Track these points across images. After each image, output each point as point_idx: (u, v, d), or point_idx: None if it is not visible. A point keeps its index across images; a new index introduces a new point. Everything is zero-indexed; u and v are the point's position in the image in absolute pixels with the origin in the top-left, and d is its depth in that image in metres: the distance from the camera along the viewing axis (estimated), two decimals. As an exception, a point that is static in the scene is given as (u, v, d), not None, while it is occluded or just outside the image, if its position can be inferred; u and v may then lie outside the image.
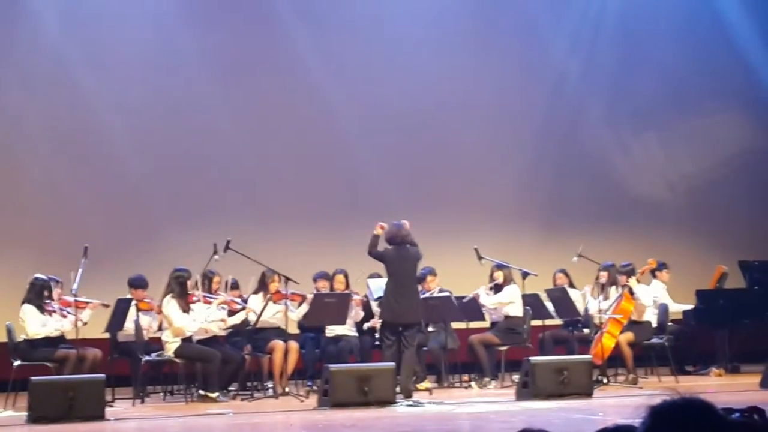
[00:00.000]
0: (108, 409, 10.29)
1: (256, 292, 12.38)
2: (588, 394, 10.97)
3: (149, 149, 14.63)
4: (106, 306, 11.98)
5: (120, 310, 11.92)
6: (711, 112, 16.21)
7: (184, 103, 14.74)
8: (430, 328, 13.02)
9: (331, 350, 12.48)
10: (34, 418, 9.80)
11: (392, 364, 10.93)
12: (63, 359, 11.37)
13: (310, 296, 12.39)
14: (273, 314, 12.24)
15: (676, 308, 13.86)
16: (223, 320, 12.06)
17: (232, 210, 14.50)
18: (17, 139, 14.33)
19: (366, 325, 12.80)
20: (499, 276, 13.02)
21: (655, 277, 13.80)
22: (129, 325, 11.96)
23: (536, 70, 15.92)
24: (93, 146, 14.46)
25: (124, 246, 14.00)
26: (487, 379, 12.77)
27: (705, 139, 16.24)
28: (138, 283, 12.32)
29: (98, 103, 14.46)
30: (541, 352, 12.78)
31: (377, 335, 12.44)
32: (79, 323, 11.39)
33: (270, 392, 11.99)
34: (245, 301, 12.37)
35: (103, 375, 10.51)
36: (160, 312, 11.86)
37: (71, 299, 11.51)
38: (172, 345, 11.60)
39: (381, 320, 11.86)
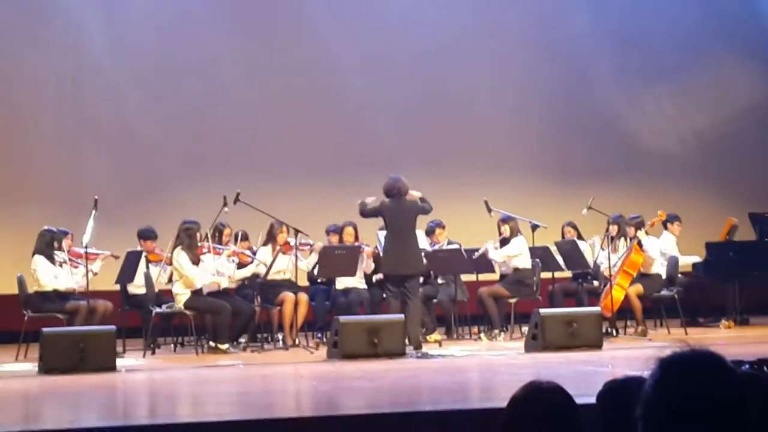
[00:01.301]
0: (119, 361, 10.33)
1: (264, 243, 12.40)
2: (597, 346, 10.97)
3: (158, 101, 14.60)
4: (116, 257, 12.01)
5: (130, 263, 11.95)
6: (722, 64, 16.08)
7: (191, 55, 14.68)
8: (439, 281, 13.04)
9: (341, 302, 12.50)
10: (45, 369, 9.85)
11: (401, 316, 10.93)
12: (74, 311, 11.41)
13: (318, 244, 12.40)
14: (283, 265, 12.27)
15: (686, 260, 13.84)
16: (229, 277, 12.03)
17: (241, 162, 14.47)
18: (25, 93, 14.29)
19: (375, 277, 12.81)
20: (506, 230, 12.99)
21: (666, 229, 13.77)
22: (139, 277, 11.99)
23: (546, 24, 15.81)
24: (101, 98, 14.44)
25: (134, 198, 14.01)
26: (496, 331, 12.78)
27: (716, 91, 16.13)
28: (147, 235, 12.36)
29: (106, 55, 14.43)
30: (551, 305, 12.78)
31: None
32: (90, 274, 11.43)
33: (280, 344, 12.03)
34: (255, 253, 12.39)
35: (113, 327, 10.54)
36: (170, 263, 11.88)
37: (81, 251, 11.53)
38: (182, 297, 11.62)
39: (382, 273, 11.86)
